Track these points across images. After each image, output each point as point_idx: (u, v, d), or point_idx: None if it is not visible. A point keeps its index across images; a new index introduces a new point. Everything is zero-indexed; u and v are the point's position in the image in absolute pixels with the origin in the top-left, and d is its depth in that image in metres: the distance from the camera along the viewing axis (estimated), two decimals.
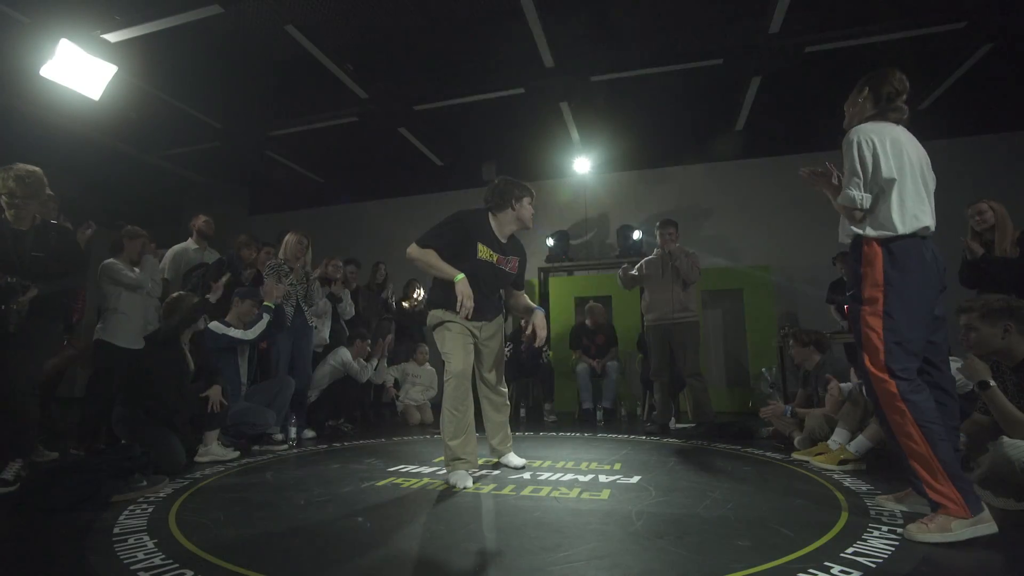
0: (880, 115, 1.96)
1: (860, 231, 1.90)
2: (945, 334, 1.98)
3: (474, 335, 2.82)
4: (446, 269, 2.68)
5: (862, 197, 1.87)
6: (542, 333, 2.84)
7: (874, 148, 1.87)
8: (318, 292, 4.35)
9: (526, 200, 2.91)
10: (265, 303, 3.76)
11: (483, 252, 2.78)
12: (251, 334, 3.67)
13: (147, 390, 3.03)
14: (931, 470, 1.68)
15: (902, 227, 1.83)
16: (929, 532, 1.65)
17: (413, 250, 2.73)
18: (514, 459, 3.01)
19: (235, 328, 3.67)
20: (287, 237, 4.17)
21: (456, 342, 2.72)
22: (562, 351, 6.03)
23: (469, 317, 2.68)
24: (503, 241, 2.89)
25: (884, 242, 1.85)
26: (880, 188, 1.87)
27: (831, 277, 5.26)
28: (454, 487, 2.47)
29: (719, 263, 6.32)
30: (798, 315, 6.10)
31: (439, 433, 2.79)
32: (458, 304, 2.62)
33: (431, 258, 2.69)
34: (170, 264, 4.37)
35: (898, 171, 1.86)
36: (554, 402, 5.49)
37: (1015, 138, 5.78)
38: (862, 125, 1.94)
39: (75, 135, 5.56)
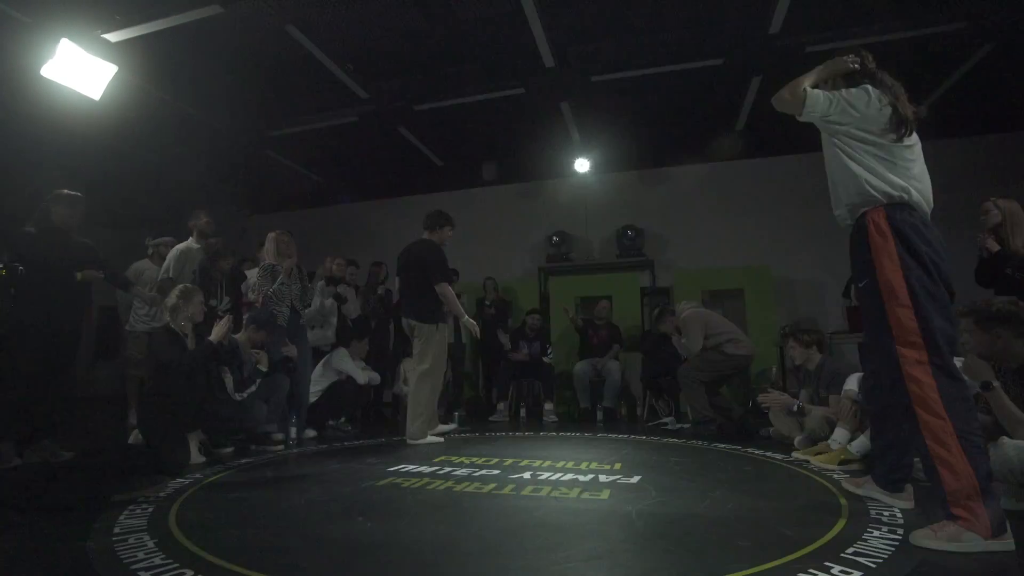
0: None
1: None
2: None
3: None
4: (458, 308, 3.97)
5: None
6: None
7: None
8: (311, 291, 4.31)
9: (447, 228, 4.07)
10: (259, 366, 3.67)
11: None
12: (237, 396, 3.50)
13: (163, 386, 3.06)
14: (964, 485, 1.55)
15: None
16: (937, 540, 1.57)
17: (447, 289, 3.85)
18: (441, 427, 4.18)
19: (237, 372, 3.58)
20: (269, 236, 4.13)
21: (444, 347, 3.94)
22: (562, 351, 6.03)
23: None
24: None
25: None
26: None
27: (832, 276, 5.26)
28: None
29: (719, 263, 6.32)
30: (798, 315, 6.10)
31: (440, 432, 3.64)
32: (475, 331, 4.12)
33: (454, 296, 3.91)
34: (174, 264, 4.34)
35: None
36: (554, 402, 5.49)
37: (1015, 138, 5.78)
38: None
39: (75, 135, 5.56)
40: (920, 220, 1.74)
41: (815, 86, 1.91)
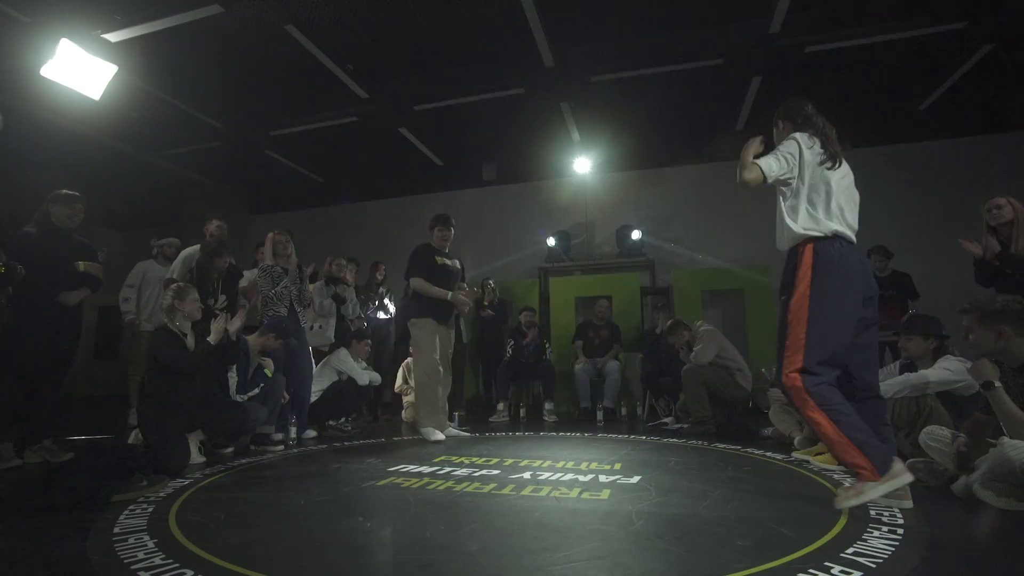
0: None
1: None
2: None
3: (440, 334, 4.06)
4: (437, 292, 3.97)
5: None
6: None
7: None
8: (309, 291, 4.30)
9: (436, 229, 4.15)
10: (264, 370, 3.68)
11: (440, 260, 4.07)
12: (239, 398, 3.52)
13: (166, 385, 3.07)
14: (842, 446, 1.89)
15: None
16: (848, 499, 1.87)
17: (418, 282, 3.97)
18: (451, 431, 4.13)
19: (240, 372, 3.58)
20: (269, 237, 4.11)
21: (430, 338, 3.98)
22: (562, 351, 6.03)
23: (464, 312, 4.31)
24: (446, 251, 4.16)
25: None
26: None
27: None
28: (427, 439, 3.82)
29: (719, 263, 6.31)
30: None
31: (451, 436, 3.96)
32: (461, 305, 4.11)
33: (428, 285, 3.96)
34: (180, 267, 4.28)
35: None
36: (554, 402, 5.49)
37: (1015, 138, 5.78)
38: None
39: (75, 135, 5.56)
40: (838, 253, 2.04)
41: (769, 149, 2.20)
